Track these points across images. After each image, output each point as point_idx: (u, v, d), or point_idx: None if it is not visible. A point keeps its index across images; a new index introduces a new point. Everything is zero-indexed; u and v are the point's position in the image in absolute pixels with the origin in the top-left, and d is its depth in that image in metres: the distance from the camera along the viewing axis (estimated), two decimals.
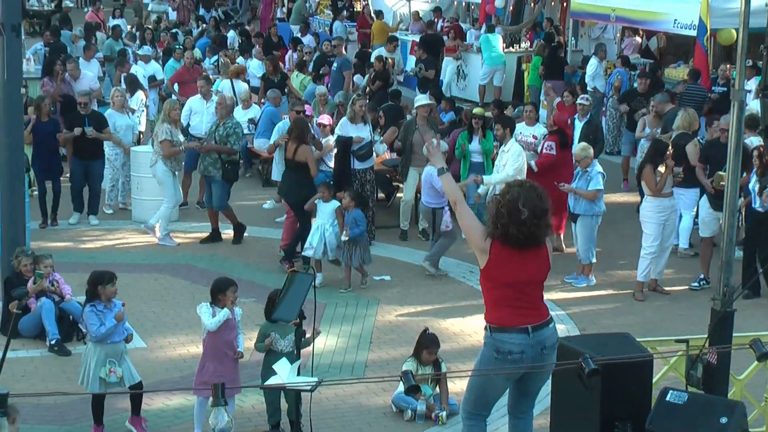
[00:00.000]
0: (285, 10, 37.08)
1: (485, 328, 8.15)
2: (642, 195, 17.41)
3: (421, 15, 31.40)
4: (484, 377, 8.19)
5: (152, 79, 22.78)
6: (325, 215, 14.29)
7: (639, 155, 17.81)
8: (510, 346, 7.93)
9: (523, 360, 7.98)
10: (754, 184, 14.07)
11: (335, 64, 23.66)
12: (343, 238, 14.09)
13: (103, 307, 10.18)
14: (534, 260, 8.00)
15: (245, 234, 16.27)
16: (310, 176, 14.98)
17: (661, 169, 13.99)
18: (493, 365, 8.04)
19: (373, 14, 31.85)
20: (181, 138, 16.33)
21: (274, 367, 8.89)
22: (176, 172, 16.36)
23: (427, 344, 10.92)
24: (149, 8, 39.56)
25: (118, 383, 10.11)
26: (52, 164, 16.67)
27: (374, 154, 16.36)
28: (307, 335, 10.23)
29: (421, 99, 17.00)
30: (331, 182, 15.62)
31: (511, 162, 15.18)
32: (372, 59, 25.14)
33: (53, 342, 12.12)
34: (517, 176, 14.52)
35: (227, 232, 16.25)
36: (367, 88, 23.54)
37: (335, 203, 14.36)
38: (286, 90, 21.87)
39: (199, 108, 18.13)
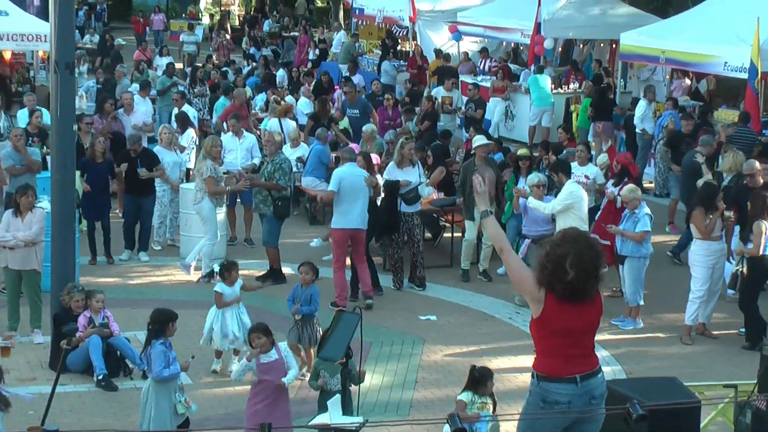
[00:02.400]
0: (317, 51, 37.37)
1: (532, 375, 7.93)
2: (688, 237, 17.41)
3: (470, 56, 31.51)
4: (531, 426, 7.98)
5: None
6: (233, 298, 12.72)
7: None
8: (557, 395, 7.73)
9: (570, 410, 7.78)
10: None
11: (357, 111, 23.13)
12: (295, 315, 12.61)
13: (169, 344, 10.27)
14: (589, 309, 7.77)
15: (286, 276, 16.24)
16: None
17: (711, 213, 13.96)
18: (538, 415, 7.82)
19: (424, 54, 32.00)
20: (221, 174, 16.40)
21: (328, 403, 8.94)
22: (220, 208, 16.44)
23: (478, 377, 10.77)
24: (181, 39, 40.18)
25: (182, 415, 10.24)
26: (102, 204, 16.86)
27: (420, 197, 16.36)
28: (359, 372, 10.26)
29: (479, 139, 16.82)
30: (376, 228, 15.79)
31: (560, 198, 14.95)
32: (438, 98, 25.27)
33: (100, 377, 12.21)
34: (562, 210, 14.64)
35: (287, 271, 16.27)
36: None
37: (240, 282, 12.85)
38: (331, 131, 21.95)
39: (232, 145, 18.24)
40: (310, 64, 34.42)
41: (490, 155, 19.07)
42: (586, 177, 16.56)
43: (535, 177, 15.39)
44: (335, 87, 28.08)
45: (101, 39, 38.98)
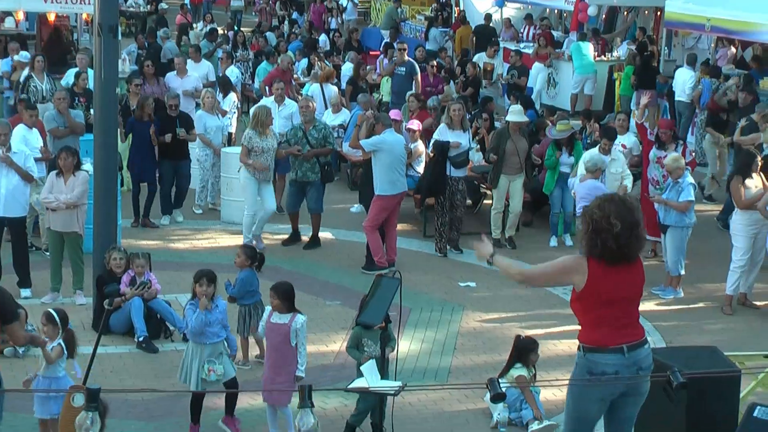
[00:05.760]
0: (339, 20, 37.25)
1: (578, 348, 7.85)
2: (728, 206, 17.25)
3: (512, 22, 31.31)
4: (578, 401, 7.91)
5: None
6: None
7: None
8: (604, 366, 7.65)
9: (617, 381, 7.71)
10: None
11: (403, 69, 22.90)
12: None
13: (196, 304, 10.31)
14: (631, 275, 7.74)
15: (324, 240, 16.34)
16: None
17: (749, 182, 13.84)
18: (586, 386, 7.78)
19: (467, 19, 31.84)
20: (267, 145, 15.78)
21: (362, 368, 8.94)
22: (267, 180, 16.05)
23: (529, 348, 10.78)
24: None
25: (217, 381, 10.25)
26: (147, 165, 16.91)
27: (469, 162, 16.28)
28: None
29: (516, 115, 16.52)
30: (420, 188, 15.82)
31: (626, 171, 15.51)
32: (480, 64, 25.19)
33: (141, 339, 12.31)
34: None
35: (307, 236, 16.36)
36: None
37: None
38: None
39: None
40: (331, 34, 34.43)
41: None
42: (624, 146, 16.50)
43: (597, 160, 15.24)
44: (372, 52, 28.07)
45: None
